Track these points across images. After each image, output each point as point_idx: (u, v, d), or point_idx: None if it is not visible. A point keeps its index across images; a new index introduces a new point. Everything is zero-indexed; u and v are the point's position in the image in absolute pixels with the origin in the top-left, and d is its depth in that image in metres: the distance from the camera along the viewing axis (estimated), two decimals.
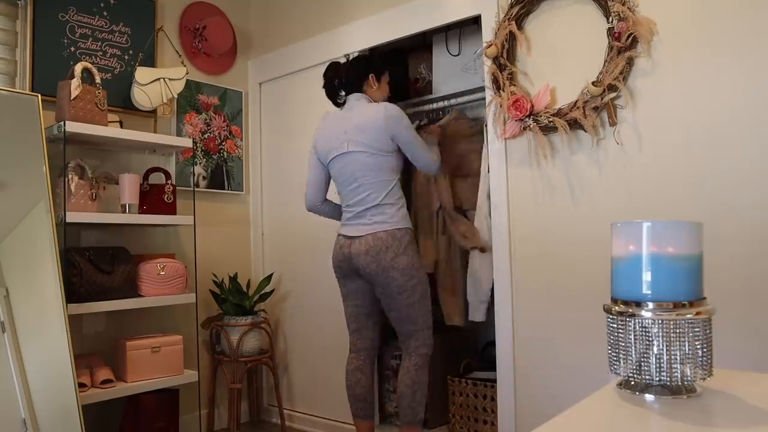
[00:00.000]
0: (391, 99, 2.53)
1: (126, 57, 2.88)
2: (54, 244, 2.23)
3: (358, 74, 2.41)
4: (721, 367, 1.04)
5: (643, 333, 0.83)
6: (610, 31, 2.06)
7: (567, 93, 2.20)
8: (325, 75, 2.48)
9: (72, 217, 2.37)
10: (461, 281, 2.77)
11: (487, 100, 2.42)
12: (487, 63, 2.39)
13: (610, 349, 0.88)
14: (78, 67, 2.46)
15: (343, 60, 2.61)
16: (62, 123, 2.35)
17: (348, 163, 2.32)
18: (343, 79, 2.43)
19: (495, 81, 2.36)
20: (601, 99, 2.07)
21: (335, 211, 2.51)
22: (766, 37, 1.81)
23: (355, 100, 2.38)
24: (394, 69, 2.58)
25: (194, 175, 3.12)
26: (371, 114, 2.29)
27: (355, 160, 2.30)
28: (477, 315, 2.64)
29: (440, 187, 2.79)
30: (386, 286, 2.25)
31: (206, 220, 3.21)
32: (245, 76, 3.46)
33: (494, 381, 2.48)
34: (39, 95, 2.37)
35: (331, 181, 2.47)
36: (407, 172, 2.85)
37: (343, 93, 2.44)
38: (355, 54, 2.90)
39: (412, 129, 2.34)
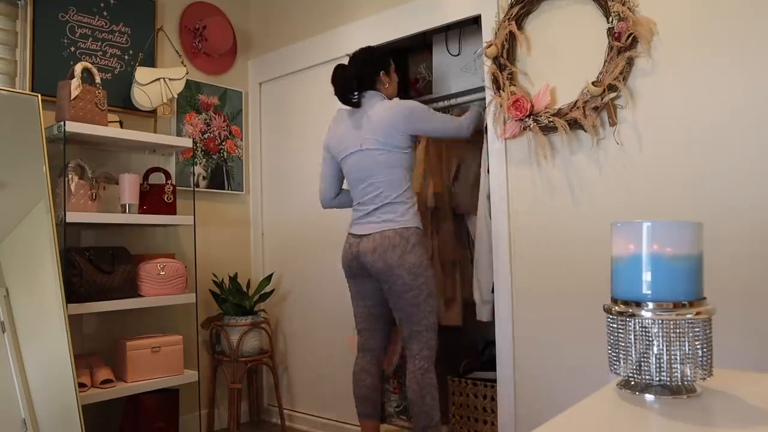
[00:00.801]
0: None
1: (126, 57, 2.88)
2: (54, 244, 2.23)
3: (370, 73, 2.37)
4: (721, 367, 1.04)
5: (643, 333, 0.83)
6: (610, 31, 2.06)
7: (567, 93, 2.20)
8: (335, 80, 2.40)
9: (72, 217, 2.37)
10: (458, 281, 2.76)
11: (487, 100, 2.42)
12: (487, 63, 2.39)
13: (610, 349, 0.88)
14: (78, 67, 2.46)
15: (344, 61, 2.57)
16: (62, 123, 2.35)
17: (361, 161, 2.31)
18: (354, 80, 2.37)
19: (495, 81, 2.36)
20: (601, 99, 2.07)
21: (350, 199, 2.46)
22: (766, 37, 1.81)
23: (370, 98, 2.35)
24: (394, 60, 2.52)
25: (194, 175, 3.12)
26: (386, 112, 2.27)
27: (369, 158, 2.29)
28: (483, 315, 2.64)
29: (429, 187, 2.78)
30: (392, 284, 2.23)
31: (206, 220, 3.21)
32: (245, 76, 3.46)
33: (494, 381, 2.48)
34: (39, 95, 2.37)
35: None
36: None
37: (356, 92, 2.38)
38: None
39: (430, 111, 2.32)
